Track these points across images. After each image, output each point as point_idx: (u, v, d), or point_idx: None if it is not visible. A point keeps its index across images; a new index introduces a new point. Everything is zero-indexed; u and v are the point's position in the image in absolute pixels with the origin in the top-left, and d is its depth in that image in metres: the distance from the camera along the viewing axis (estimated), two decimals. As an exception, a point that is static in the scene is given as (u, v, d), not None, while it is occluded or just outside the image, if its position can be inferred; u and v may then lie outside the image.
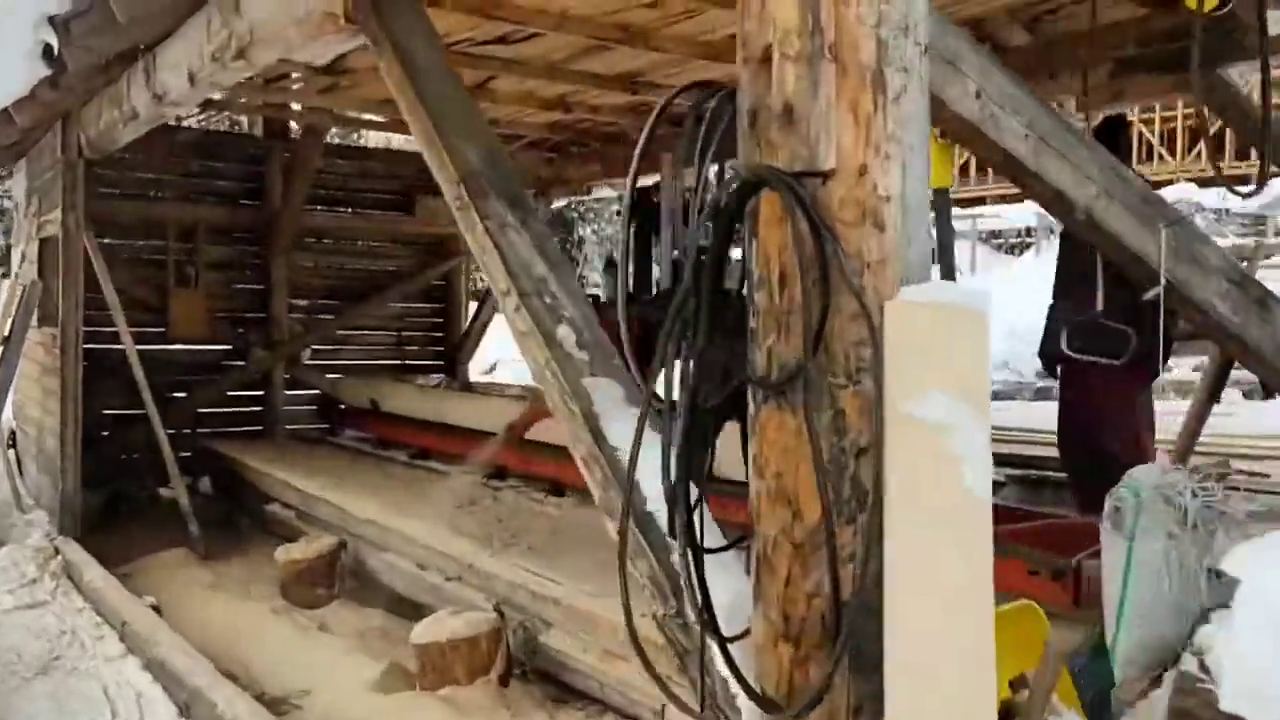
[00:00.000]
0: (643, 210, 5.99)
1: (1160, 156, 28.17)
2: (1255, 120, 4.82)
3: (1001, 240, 27.61)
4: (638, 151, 2.56)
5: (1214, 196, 24.77)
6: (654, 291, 5.86)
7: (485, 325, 10.06)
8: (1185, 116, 27.34)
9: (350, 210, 9.74)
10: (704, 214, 1.97)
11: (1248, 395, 9.83)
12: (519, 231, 2.69)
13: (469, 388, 7.27)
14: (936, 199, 3.21)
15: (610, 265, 5.89)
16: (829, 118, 1.72)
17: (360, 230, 9.78)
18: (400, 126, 8.49)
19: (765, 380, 1.83)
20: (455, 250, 10.16)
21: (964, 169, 31.24)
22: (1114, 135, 4.52)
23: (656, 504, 2.23)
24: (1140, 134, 28.32)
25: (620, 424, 2.48)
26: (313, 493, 6.50)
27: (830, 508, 1.75)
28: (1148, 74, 4.91)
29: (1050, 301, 4.83)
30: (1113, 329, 4.36)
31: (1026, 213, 26.49)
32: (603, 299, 5.78)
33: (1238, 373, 10.61)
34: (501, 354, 10.40)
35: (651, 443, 2.13)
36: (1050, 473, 5.75)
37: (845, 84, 1.73)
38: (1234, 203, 24.71)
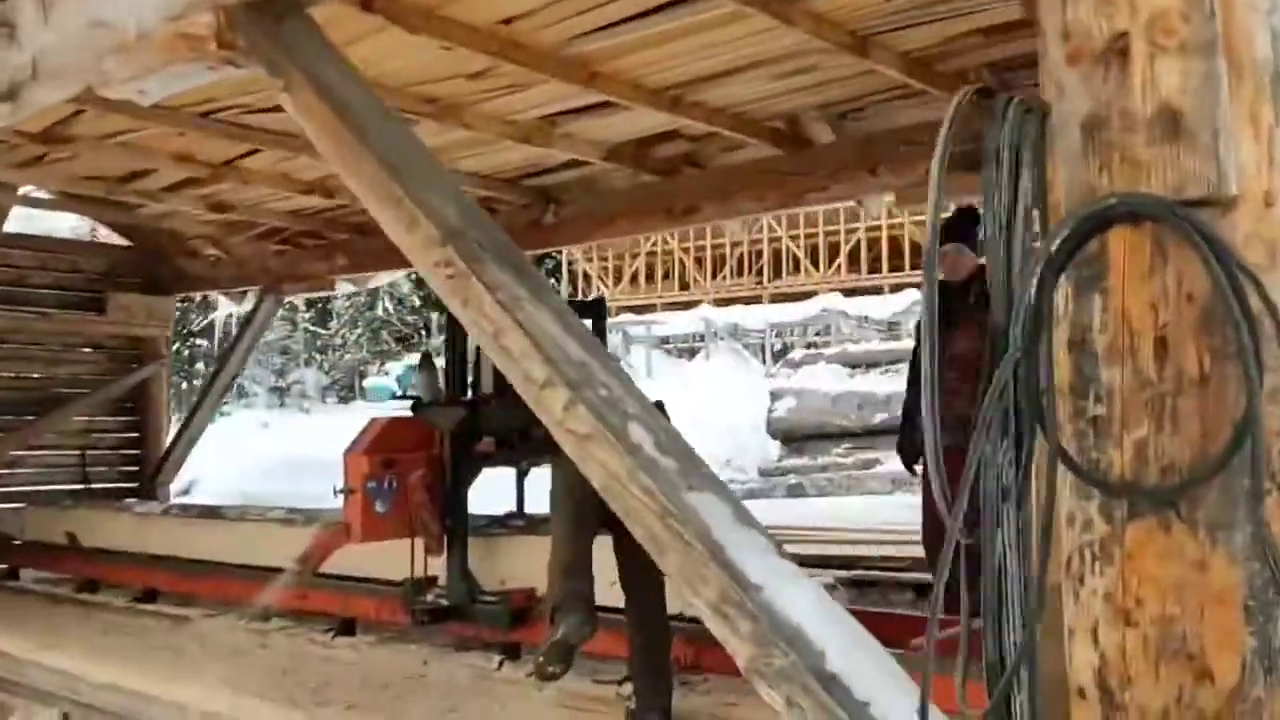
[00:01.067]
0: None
1: (805, 270, 30.54)
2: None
3: (671, 345, 28.57)
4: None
5: (854, 305, 27.16)
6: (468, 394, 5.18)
7: (193, 442, 8.80)
8: (828, 233, 30.02)
9: (29, 309, 8.23)
10: (1030, 266, 1.52)
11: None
12: (537, 306, 2.10)
13: (215, 513, 6.16)
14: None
15: (425, 362, 5.16)
16: (1230, 128, 1.33)
17: (39, 332, 8.29)
18: (111, 208, 7.35)
19: (1140, 488, 1.38)
20: (154, 354, 8.89)
21: (634, 278, 32.61)
22: (967, 224, 4.52)
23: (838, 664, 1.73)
24: (786, 248, 30.73)
25: (752, 555, 1.94)
26: (20, 655, 5.16)
27: (1255, 664, 1.30)
28: (966, 171, 5.01)
29: (907, 393, 4.74)
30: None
31: (694, 319, 27.69)
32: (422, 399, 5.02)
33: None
34: (198, 473, 9.13)
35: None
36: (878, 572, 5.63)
37: (1239, 86, 1.36)
38: (872, 310, 27.19)
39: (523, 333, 2.06)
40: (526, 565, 4.66)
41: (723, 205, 5.86)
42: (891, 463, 11.78)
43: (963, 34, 4.36)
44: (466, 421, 4.78)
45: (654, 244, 31.35)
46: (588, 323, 5.61)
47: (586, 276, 33.99)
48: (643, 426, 2.00)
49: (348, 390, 38.91)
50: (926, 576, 5.51)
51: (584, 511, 3.80)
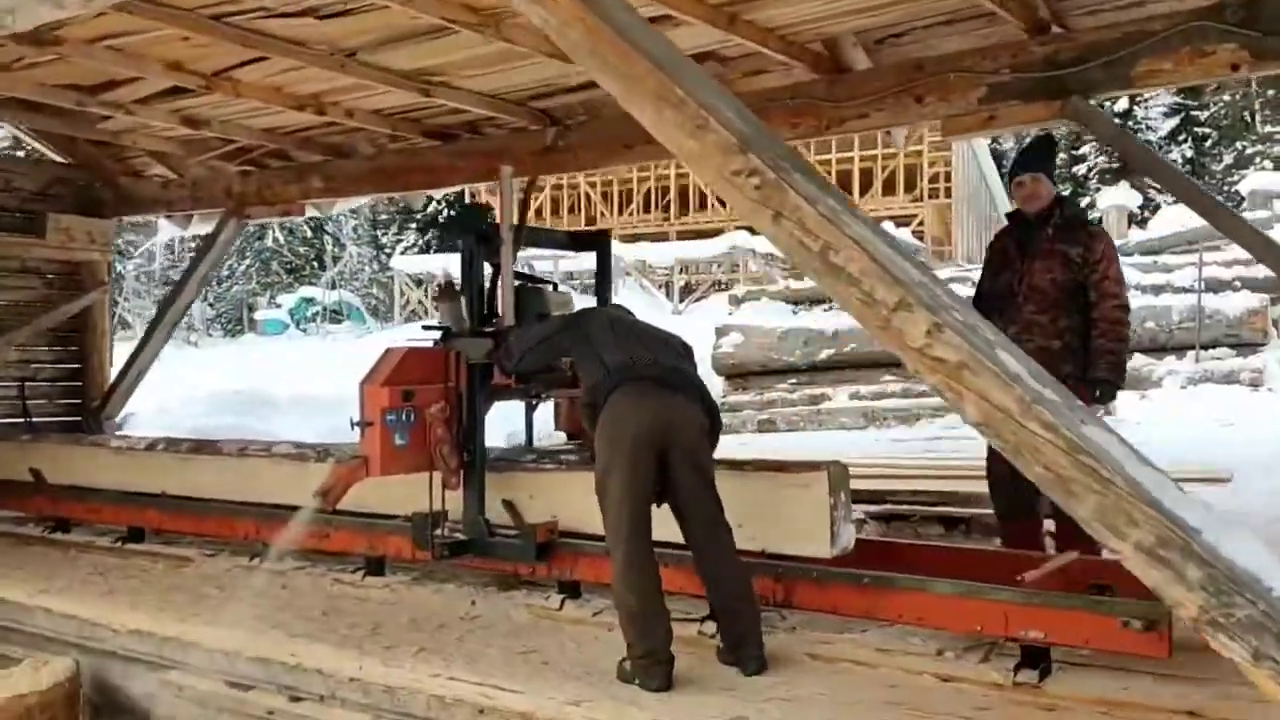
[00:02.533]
0: (474, 228, 5.02)
1: (712, 206, 30.52)
2: (1122, 142, 5.04)
3: (577, 280, 28.33)
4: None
5: (763, 242, 27.27)
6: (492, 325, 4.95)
7: (143, 373, 8.29)
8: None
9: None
10: None
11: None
12: (855, 220, 1.92)
13: (212, 447, 5.78)
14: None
15: (449, 291, 4.89)
16: None
17: (-29, 254, 7.66)
18: (55, 119, 6.77)
19: None
20: (96, 280, 8.32)
21: (538, 211, 32.07)
22: (1043, 151, 4.47)
23: None
24: (693, 185, 30.63)
25: (1171, 495, 1.82)
26: (25, 601, 4.79)
27: None
28: (1021, 101, 4.95)
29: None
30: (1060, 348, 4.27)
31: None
32: (452, 329, 4.76)
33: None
34: (135, 405, 8.60)
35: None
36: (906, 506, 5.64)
37: None
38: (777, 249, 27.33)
39: (860, 249, 1.88)
40: (546, 498, 4.56)
41: (752, 131, 5.68)
42: (839, 398, 11.89)
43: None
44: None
45: (559, 178, 30.89)
46: (593, 256, 5.48)
47: (489, 208, 33.33)
48: (1009, 354, 1.86)
49: (235, 323, 37.56)
50: (955, 510, 5.55)
51: (638, 474, 3.62)
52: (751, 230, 28.68)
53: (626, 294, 24.80)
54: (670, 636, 3.61)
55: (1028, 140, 4.57)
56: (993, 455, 4.50)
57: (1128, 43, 4.65)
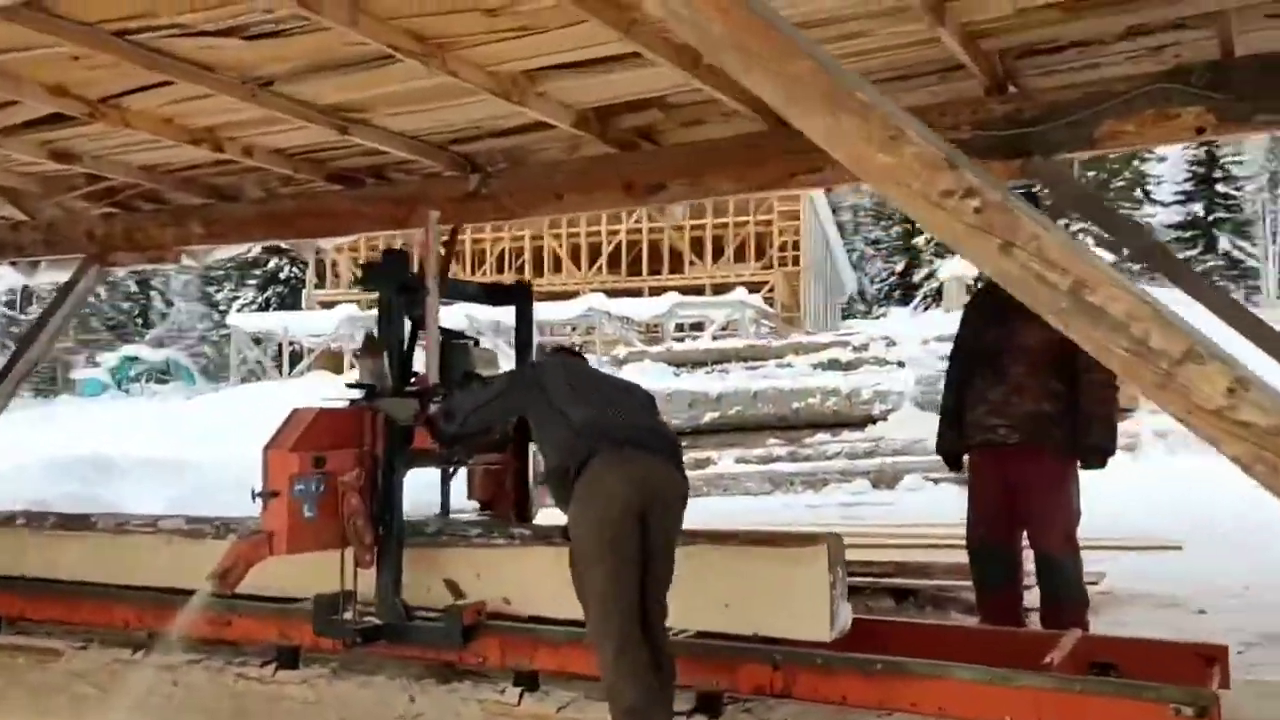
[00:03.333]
0: (396, 277, 4.56)
1: (567, 269, 30.35)
2: (1085, 203, 4.98)
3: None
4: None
5: (620, 305, 27.19)
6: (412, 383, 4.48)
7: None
8: (589, 234, 29.99)
9: None
10: None
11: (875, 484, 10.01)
12: (1095, 256, 1.60)
13: (82, 522, 5.01)
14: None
15: (371, 345, 4.42)
16: None
17: None
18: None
19: None
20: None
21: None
22: (1035, 201, 4.33)
23: None
24: (548, 247, 30.45)
25: None
26: None
27: None
28: (981, 159, 4.84)
29: (948, 384, 4.48)
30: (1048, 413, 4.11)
31: (454, 314, 26.80)
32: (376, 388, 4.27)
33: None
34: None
35: None
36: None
37: None
38: (633, 311, 27.32)
39: (1123, 288, 1.56)
40: (469, 575, 4.16)
41: (694, 184, 5.42)
42: (725, 462, 11.66)
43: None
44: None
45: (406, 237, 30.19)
46: (511, 310, 5.11)
47: (334, 265, 32.29)
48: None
49: (49, 383, 35.13)
50: (907, 582, 5.31)
51: (627, 555, 3.27)
52: (608, 293, 28.61)
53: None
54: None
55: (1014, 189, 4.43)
56: (973, 522, 4.30)
57: (1090, 103, 4.60)
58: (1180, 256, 31.08)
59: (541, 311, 27.17)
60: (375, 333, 4.50)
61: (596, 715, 3.32)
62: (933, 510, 7.70)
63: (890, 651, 3.58)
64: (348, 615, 4.09)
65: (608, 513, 3.28)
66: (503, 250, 30.54)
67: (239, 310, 34.38)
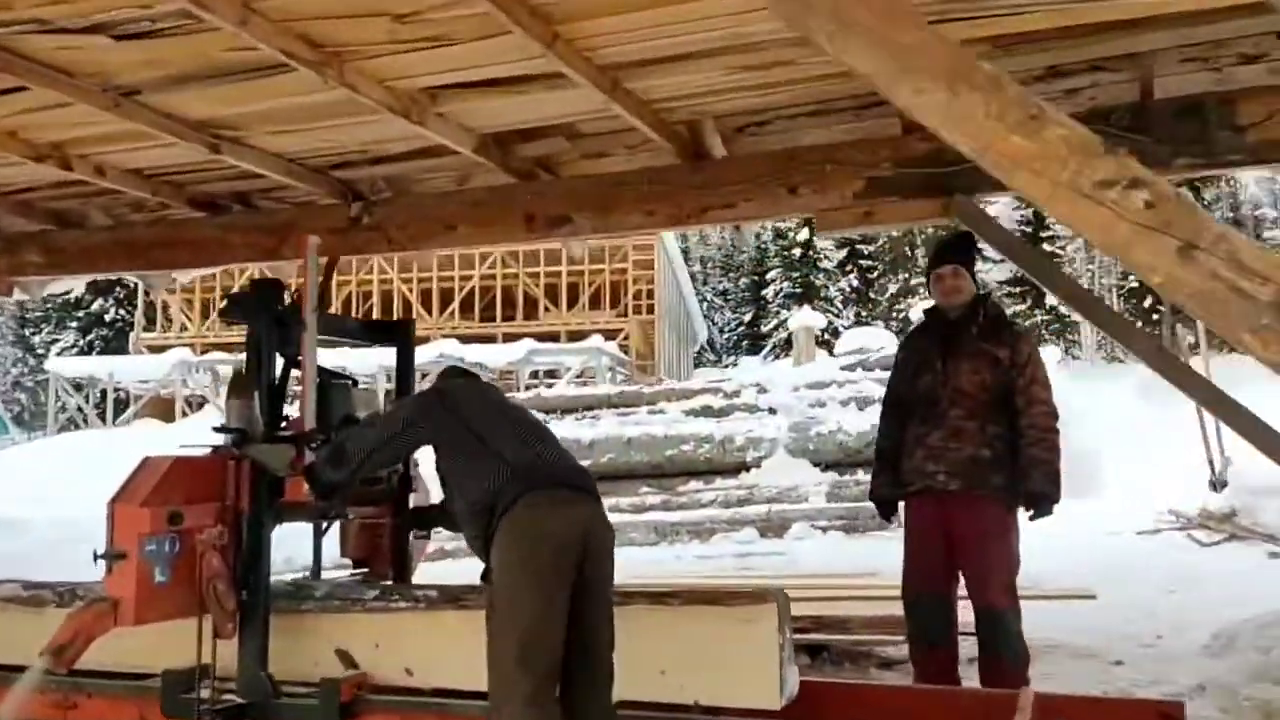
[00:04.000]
0: (268, 309, 4.07)
1: (419, 314, 29.59)
2: (1012, 246, 4.88)
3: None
4: None
5: (470, 351, 26.59)
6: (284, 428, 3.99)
7: None
8: (441, 279, 29.34)
9: None
10: None
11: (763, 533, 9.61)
12: None
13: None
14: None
15: (240, 384, 3.93)
16: None
17: None
18: None
19: None
20: None
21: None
22: (964, 245, 4.18)
23: None
24: (398, 291, 29.67)
25: None
26: None
27: None
28: (901, 198, 4.71)
29: (882, 431, 4.27)
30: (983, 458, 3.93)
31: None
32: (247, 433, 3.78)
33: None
34: None
35: None
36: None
37: None
38: (487, 358, 26.78)
39: None
40: (365, 645, 3.71)
41: (601, 217, 5.12)
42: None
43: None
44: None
45: (235, 279, 28.97)
46: (392, 351, 4.69)
47: (165, 307, 30.63)
48: None
49: None
50: (825, 637, 5.06)
51: (558, 602, 2.93)
52: (461, 339, 27.95)
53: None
54: None
55: (949, 233, 4.29)
56: (910, 573, 4.08)
57: (1013, 143, 4.53)
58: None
59: (389, 358, 26.46)
60: (243, 371, 4.01)
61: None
62: (827, 560, 7.53)
63: (840, 718, 3.30)
64: (204, 693, 3.56)
65: (535, 553, 2.93)
66: (349, 294, 29.56)
67: (59, 354, 32.23)
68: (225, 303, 4.25)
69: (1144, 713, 3.42)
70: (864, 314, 34.56)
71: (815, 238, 36.50)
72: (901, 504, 4.16)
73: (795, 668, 3.38)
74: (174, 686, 3.67)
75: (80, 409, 28.28)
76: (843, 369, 13.10)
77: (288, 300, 4.20)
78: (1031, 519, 3.92)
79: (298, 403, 3.99)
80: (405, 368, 4.71)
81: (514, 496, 3.01)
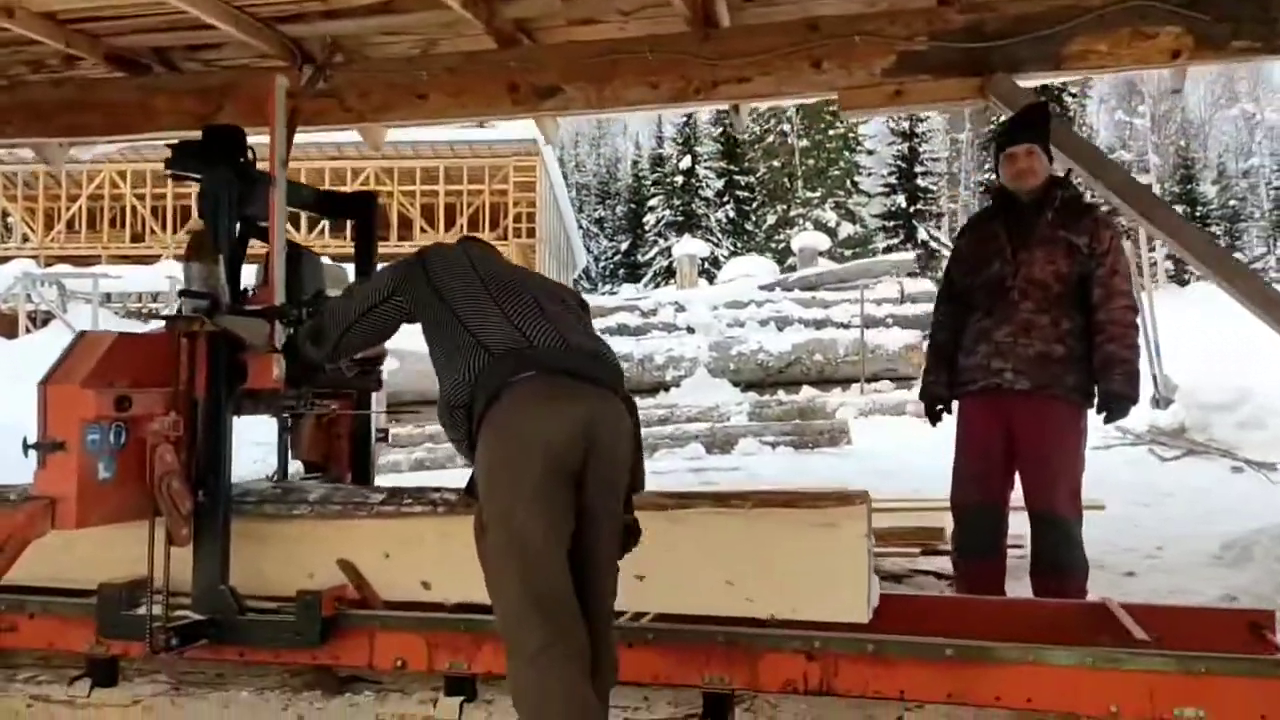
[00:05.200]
0: (227, 158, 3.42)
1: (421, 229, 28.10)
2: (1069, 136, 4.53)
3: (119, 304, 24.65)
4: None
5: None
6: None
7: None
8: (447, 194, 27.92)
9: None
10: None
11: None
12: None
13: None
14: None
15: (202, 246, 3.30)
16: None
17: None
18: None
19: None
20: None
21: (71, 224, 27.62)
22: (1038, 120, 3.80)
23: None
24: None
25: None
26: None
27: None
28: (934, 76, 4.32)
29: (936, 326, 3.90)
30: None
31: (156, 276, 24.15)
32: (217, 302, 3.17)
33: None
34: None
35: None
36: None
37: None
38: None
39: None
40: (373, 555, 3.20)
41: (596, 89, 4.59)
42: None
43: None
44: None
45: (98, 186, 26.99)
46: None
47: (4, 214, 28.34)
48: None
49: None
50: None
51: (557, 513, 2.39)
52: (333, 258, 26.69)
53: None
54: None
55: (1022, 107, 3.91)
56: (964, 479, 3.76)
57: (1062, 18, 4.19)
58: (883, 245, 33.11)
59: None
60: (201, 231, 3.36)
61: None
62: (783, 474, 7.25)
63: (927, 632, 2.97)
64: (155, 610, 2.97)
65: (524, 455, 2.36)
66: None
67: None
68: (173, 152, 3.54)
69: (1235, 622, 3.20)
70: (739, 246, 34.51)
71: (697, 166, 36.31)
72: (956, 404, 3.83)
73: (877, 579, 3.03)
74: (113, 602, 3.10)
75: None
76: (761, 288, 12.82)
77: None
78: (1106, 421, 3.63)
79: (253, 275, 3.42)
80: (367, 247, 4.08)
81: (496, 389, 2.43)
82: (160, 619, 2.96)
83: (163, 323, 3.23)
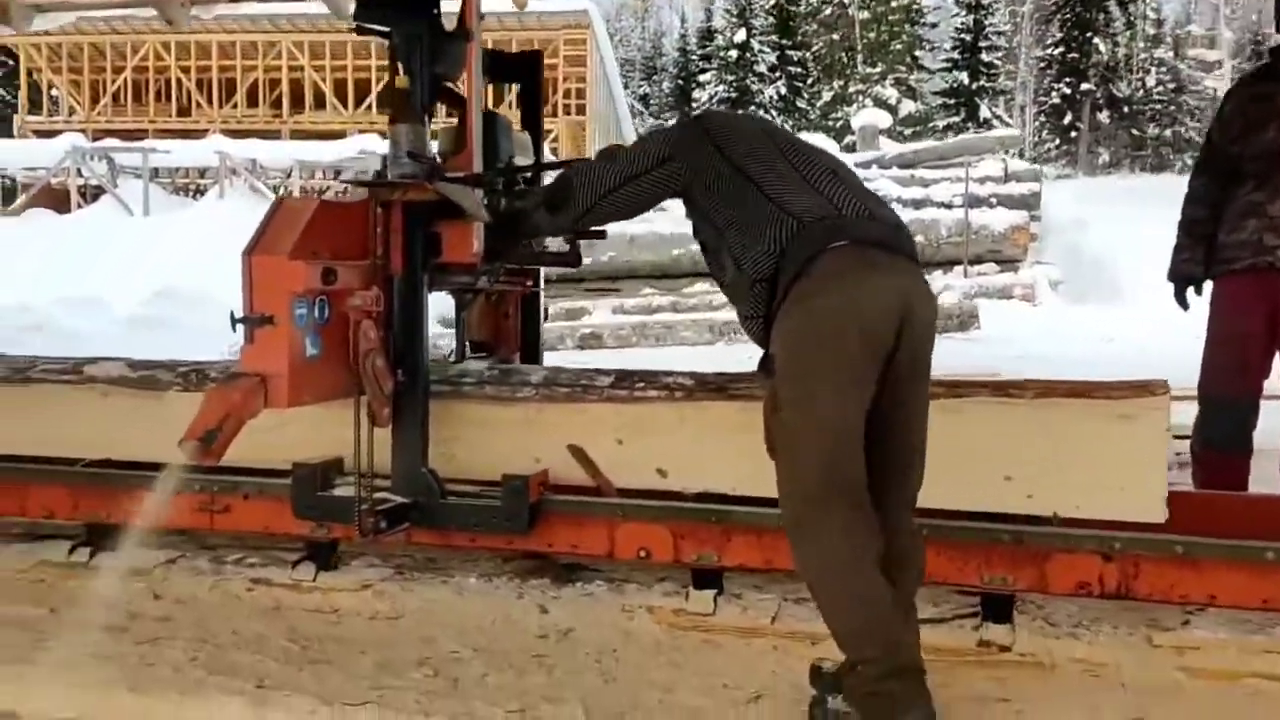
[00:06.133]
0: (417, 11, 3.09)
1: (333, 106, 27.69)
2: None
3: (170, 180, 24.42)
4: None
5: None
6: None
7: None
8: (356, 69, 27.21)
9: None
10: None
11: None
12: None
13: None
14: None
15: (407, 101, 3.02)
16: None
17: None
18: None
19: None
20: None
21: (117, 97, 27.19)
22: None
23: None
24: (309, 79, 27.46)
25: None
26: None
27: None
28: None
29: (1190, 198, 3.57)
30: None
31: (204, 151, 23.81)
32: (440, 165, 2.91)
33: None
34: None
35: None
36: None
37: None
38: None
39: None
40: (650, 443, 2.95)
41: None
42: (601, 313, 10.57)
43: None
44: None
45: (142, 58, 26.45)
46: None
47: (51, 87, 27.93)
48: None
49: None
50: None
51: (864, 389, 2.17)
52: (382, 133, 26.21)
53: (235, 197, 21.35)
54: (917, 635, 2.27)
55: None
56: (1216, 366, 3.48)
57: None
58: (944, 123, 32.05)
59: (302, 151, 24.41)
60: (405, 88, 3.07)
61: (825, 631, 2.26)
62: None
63: (1226, 533, 2.74)
64: (356, 492, 2.79)
65: (840, 331, 2.15)
66: (256, 81, 27.27)
67: (-70, 138, 29.31)
68: (358, 3, 3.22)
69: None
70: (792, 125, 33.67)
71: (751, 39, 35.14)
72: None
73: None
74: (307, 482, 2.92)
75: None
76: (857, 165, 12.35)
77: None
78: None
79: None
80: (533, 112, 3.78)
81: (806, 259, 2.20)
82: (366, 501, 2.79)
83: (359, 189, 3.00)
